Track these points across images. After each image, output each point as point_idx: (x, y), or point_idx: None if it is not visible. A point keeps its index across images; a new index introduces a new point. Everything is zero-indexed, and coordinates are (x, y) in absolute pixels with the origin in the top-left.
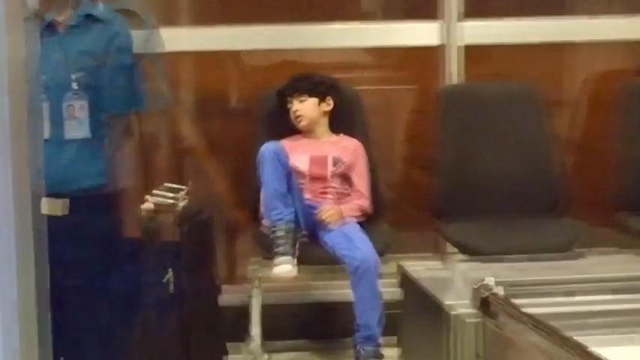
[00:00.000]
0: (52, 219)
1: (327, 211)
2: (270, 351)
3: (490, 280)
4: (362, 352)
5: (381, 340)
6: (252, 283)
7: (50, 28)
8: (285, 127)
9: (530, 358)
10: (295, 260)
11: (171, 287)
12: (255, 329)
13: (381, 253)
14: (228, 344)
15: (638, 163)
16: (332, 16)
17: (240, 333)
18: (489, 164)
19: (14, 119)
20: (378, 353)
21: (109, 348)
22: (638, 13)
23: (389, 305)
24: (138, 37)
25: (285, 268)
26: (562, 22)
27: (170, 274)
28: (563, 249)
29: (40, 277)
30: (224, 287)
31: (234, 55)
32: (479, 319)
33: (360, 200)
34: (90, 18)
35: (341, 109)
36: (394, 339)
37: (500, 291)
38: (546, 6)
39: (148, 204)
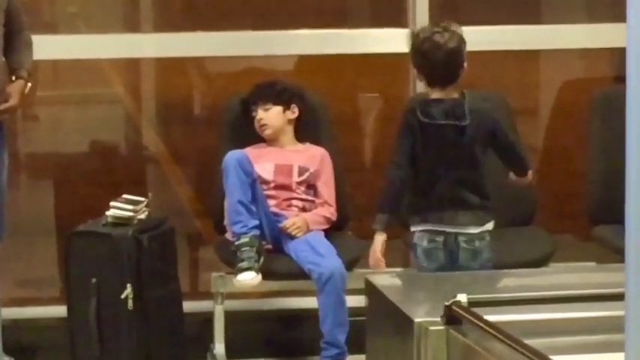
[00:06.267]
0: None
1: (294, 223)
2: None
3: (462, 297)
4: None
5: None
6: (215, 299)
7: None
8: (250, 135)
9: None
10: (259, 271)
11: (130, 303)
12: (219, 347)
13: (348, 267)
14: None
15: (615, 175)
16: (298, 22)
17: (204, 347)
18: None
19: None
20: None
21: None
22: (601, 21)
23: (357, 323)
24: None
25: (248, 275)
26: (528, 30)
27: (129, 290)
28: (537, 264)
29: None
30: (186, 303)
31: (197, 62)
32: (451, 336)
33: (326, 210)
34: None
35: (306, 117)
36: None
37: (468, 305)
38: (513, 14)
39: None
